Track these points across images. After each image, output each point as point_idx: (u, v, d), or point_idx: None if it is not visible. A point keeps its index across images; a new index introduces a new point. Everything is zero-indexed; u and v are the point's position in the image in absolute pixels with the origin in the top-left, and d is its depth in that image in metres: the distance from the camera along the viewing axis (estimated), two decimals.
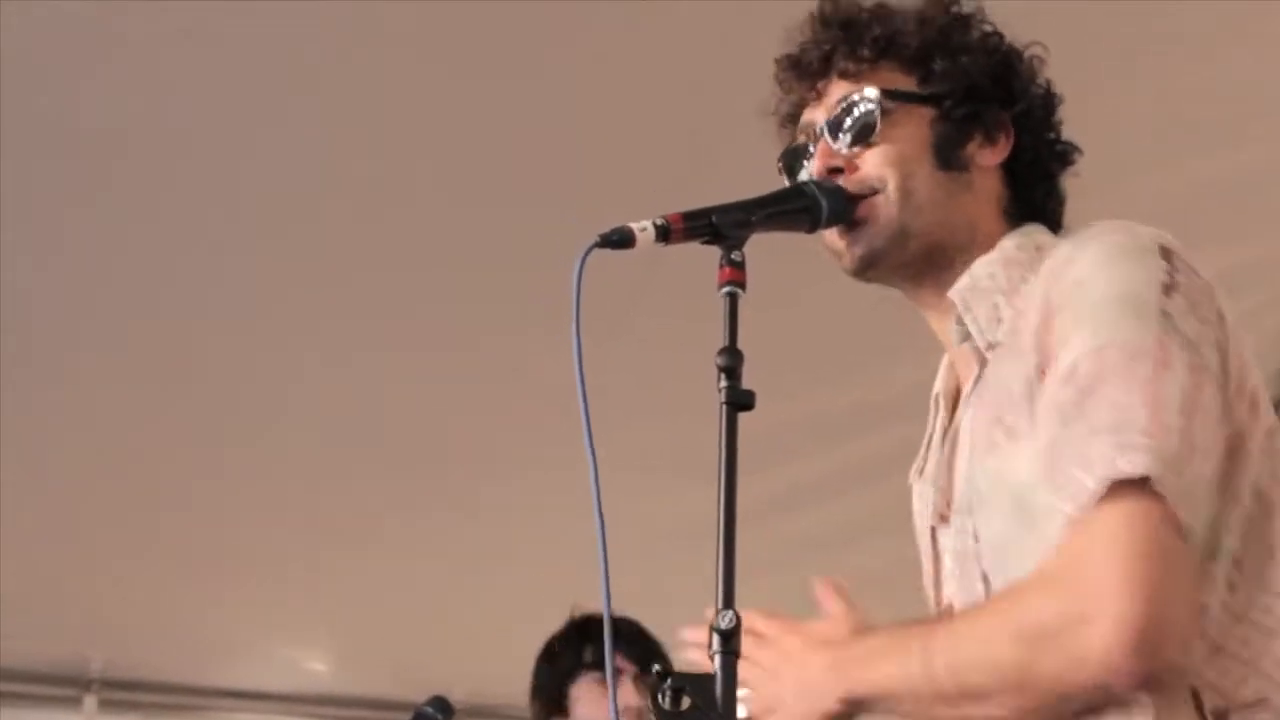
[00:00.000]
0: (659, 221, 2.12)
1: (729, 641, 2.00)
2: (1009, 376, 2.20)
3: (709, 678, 1.98)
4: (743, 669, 2.01)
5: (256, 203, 4.72)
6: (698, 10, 4.16)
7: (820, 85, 2.38)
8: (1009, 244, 2.31)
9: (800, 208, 2.27)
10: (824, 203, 2.27)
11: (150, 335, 5.13)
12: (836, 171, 2.32)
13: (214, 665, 6.74)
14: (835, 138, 2.34)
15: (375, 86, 4.42)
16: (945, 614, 2.29)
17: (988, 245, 2.32)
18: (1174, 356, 2.06)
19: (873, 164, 2.32)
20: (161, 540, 5.81)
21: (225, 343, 5.16)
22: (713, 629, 2.00)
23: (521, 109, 4.43)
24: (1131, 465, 1.99)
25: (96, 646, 6.52)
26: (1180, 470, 2.01)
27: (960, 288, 2.29)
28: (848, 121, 2.34)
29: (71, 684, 6.67)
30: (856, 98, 2.34)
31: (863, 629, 2.19)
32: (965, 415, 2.29)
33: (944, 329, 2.35)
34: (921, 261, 2.33)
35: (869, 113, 2.33)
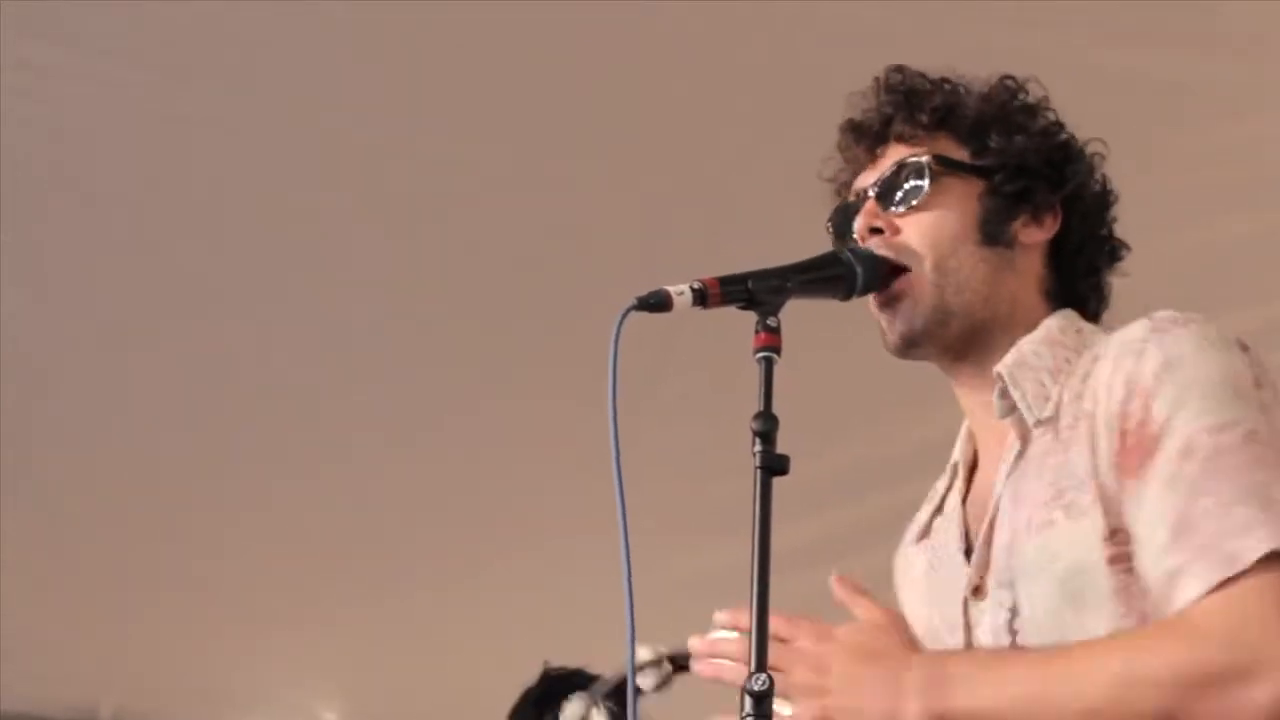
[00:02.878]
0: (696, 286, 2.15)
1: (761, 704, 2.01)
2: (1075, 455, 2.21)
3: None
4: (779, 681, 2.02)
5: (274, 255, 4.74)
6: (733, 79, 4.20)
7: (877, 149, 2.40)
8: (1052, 324, 2.34)
9: (835, 275, 2.29)
10: (859, 270, 2.29)
11: (160, 382, 5.13)
12: (877, 231, 2.34)
13: (224, 713, 6.71)
14: (882, 199, 2.36)
15: (400, 149, 4.44)
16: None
17: (1028, 322, 2.35)
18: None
19: (913, 232, 2.34)
20: (173, 587, 5.80)
21: (234, 391, 5.16)
22: (745, 690, 2.01)
23: (552, 173, 4.45)
24: None
25: (106, 693, 6.50)
26: None
27: (1007, 363, 2.30)
28: (897, 183, 2.36)
29: None
30: (909, 161, 2.36)
31: (913, 644, 2.19)
32: (1005, 488, 2.29)
33: (974, 401, 2.37)
34: (964, 341, 2.34)
35: (918, 177, 2.35)
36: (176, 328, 4.98)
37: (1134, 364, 2.17)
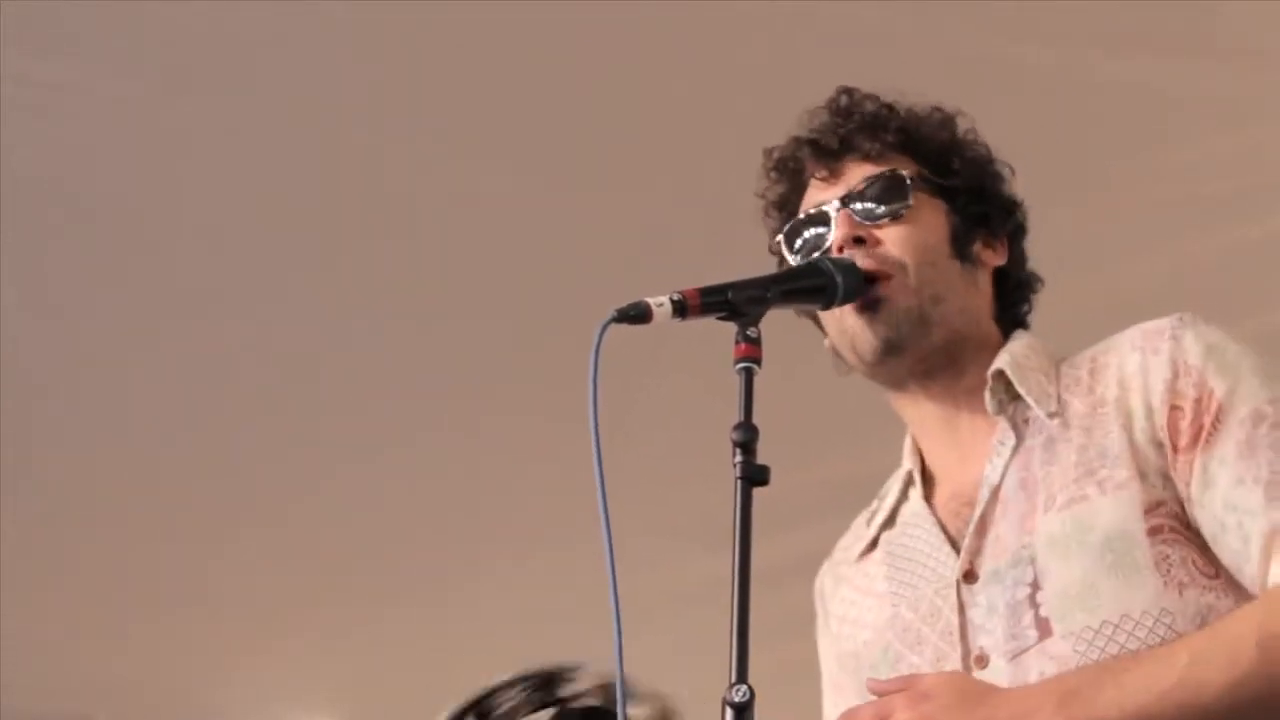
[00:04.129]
0: (676, 297, 2.15)
1: (742, 716, 2.01)
2: (1098, 438, 2.28)
3: None
4: None
5: (273, 262, 4.74)
6: (710, 97, 4.20)
7: (835, 166, 2.42)
8: (1024, 337, 2.42)
9: (816, 285, 2.30)
10: (839, 280, 2.30)
11: (158, 392, 5.14)
12: (859, 242, 2.36)
13: None
14: (856, 209, 2.38)
15: (390, 168, 4.45)
16: (978, 665, 2.29)
17: (988, 339, 2.41)
18: None
19: (894, 242, 2.36)
20: (168, 597, 5.80)
21: (231, 405, 5.16)
22: (725, 703, 2.00)
23: (534, 188, 4.45)
24: None
25: (102, 703, 6.49)
26: None
27: (1004, 363, 2.36)
28: (872, 195, 2.39)
29: None
30: (885, 174, 2.39)
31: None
32: (1008, 477, 2.34)
33: (935, 412, 2.42)
34: (940, 352, 2.37)
35: (900, 189, 2.38)
36: (175, 337, 4.98)
37: (1174, 347, 2.27)
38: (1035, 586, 2.25)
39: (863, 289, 2.33)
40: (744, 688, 2.00)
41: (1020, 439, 2.33)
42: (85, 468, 5.33)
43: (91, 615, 5.81)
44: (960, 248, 2.40)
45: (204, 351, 5.00)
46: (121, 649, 6.00)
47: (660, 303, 2.13)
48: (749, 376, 2.12)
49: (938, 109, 2.46)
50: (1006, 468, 2.33)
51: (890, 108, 2.44)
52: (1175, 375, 2.25)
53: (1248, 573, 2.18)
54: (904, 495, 2.47)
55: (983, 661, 2.29)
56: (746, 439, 2.08)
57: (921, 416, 2.44)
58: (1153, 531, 2.21)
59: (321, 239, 4.68)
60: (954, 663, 2.33)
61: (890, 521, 2.47)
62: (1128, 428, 2.26)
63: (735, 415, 2.10)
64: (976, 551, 2.33)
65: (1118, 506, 2.23)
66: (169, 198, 4.63)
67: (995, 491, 2.33)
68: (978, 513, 2.34)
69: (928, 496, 2.43)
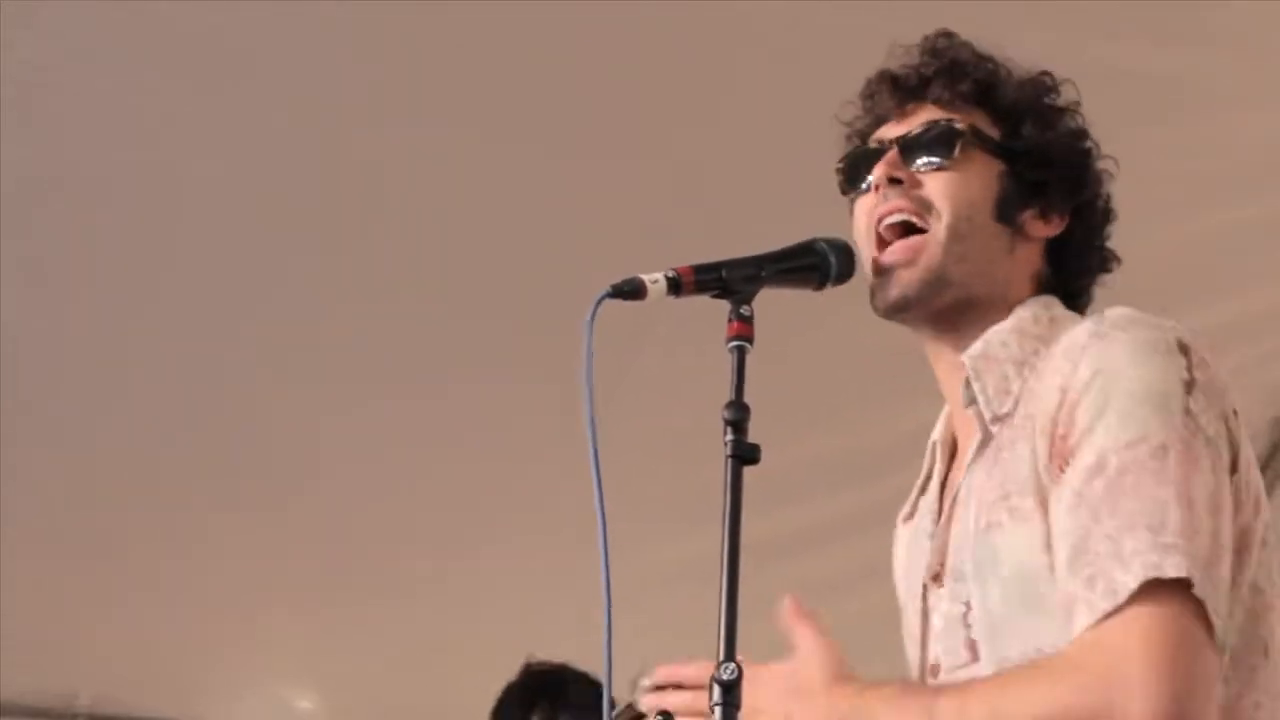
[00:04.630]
0: (670, 274, 2.16)
1: (730, 693, 2.01)
2: (1019, 456, 2.21)
3: None
4: None
5: (266, 258, 4.74)
6: (705, 90, 4.20)
7: (909, 106, 2.39)
8: (1025, 313, 2.32)
9: (809, 264, 2.29)
10: (833, 260, 2.29)
11: (149, 377, 5.13)
12: (896, 182, 2.33)
13: (201, 702, 6.69)
14: (907, 153, 2.35)
15: (381, 137, 4.45)
16: (931, 674, 2.28)
17: (1009, 309, 2.33)
18: (1200, 455, 2.09)
19: (936, 189, 2.33)
20: (152, 576, 5.78)
21: (218, 387, 5.15)
22: (714, 680, 2.02)
23: (526, 162, 4.45)
24: (1173, 568, 2.01)
25: (84, 681, 6.49)
26: (1211, 573, 2.04)
27: (973, 353, 2.30)
28: (924, 141, 2.35)
29: (58, 718, 6.64)
30: (942, 122, 2.35)
31: (844, 678, 2.15)
32: (967, 479, 2.29)
33: (951, 383, 2.36)
34: (952, 313, 2.33)
35: (950, 140, 2.34)
36: (172, 333, 4.98)
37: (1070, 371, 2.16)
38: (968, 606, 2.23)
39: (901, 235, 2.31)
40: (732, 666, 2.02)
41: (988, 437, 2.28)
42: (68, 450, 5.31)
43: (77, 594, 5.79)
44: (1005, 211, 2.34)
45: (199, 345, 5.00)
46: (104, 627, 5.98)
47: (654, 279, 2.15)
48: (741, 355, 2.13)
49: (1044, 73, 2.41)
50: (969, 468, 2.30)
51: (980, 58, 2.40)
52: (1060, 403, 2.15)
53: None
54: (932, 465, 2.43)
55: (935, 671, 2.29)
56: (738, 417, 2.10)
57: (944, 385, 2.39)
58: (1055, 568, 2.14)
59: (320, 236, 4.68)
60: (915, 667, 2.34)
61: (925, 488, 2.44)
62: (1035, 453, 2.18)
63: (727, 393, 2.11)
64: (943, 554, 2.30)
65: (1023, 539, 2.17)
66: (169, 197, 4.63)
67: (957, 494, 2.31)
68: (943, 515, 2.33)
69: (946, 473, 2.39)
